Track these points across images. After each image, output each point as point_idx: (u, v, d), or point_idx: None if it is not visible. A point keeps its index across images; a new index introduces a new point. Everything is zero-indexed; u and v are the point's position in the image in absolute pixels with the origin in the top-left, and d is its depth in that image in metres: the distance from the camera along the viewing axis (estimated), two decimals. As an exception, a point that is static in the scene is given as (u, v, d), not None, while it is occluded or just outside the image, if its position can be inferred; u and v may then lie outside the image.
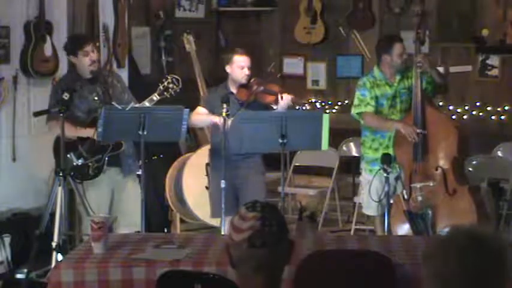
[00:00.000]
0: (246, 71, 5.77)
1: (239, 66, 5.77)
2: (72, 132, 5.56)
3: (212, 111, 5.76)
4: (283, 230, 2.49)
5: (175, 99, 5.85)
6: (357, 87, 6.09)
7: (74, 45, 5.77)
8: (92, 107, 5.64)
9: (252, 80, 5.80)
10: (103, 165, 5.68)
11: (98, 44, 5.89)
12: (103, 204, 5.69)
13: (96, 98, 5.70)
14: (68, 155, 5.55)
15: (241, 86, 5.79)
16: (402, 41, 6.06)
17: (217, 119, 5.65)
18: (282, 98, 5.69)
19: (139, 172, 5.80)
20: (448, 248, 2.14)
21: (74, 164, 5.59)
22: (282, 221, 2.50)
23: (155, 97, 5.74)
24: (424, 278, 2.17)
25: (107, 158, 5.67)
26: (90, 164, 5.64)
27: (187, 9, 9.08)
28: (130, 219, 5.73)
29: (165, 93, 5.77)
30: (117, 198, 5.85)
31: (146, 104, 5.70)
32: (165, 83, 5.78)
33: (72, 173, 5.36)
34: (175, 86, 5.79)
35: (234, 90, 5.78)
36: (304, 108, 9.36)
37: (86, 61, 5.68)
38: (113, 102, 5.53)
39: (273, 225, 2.46)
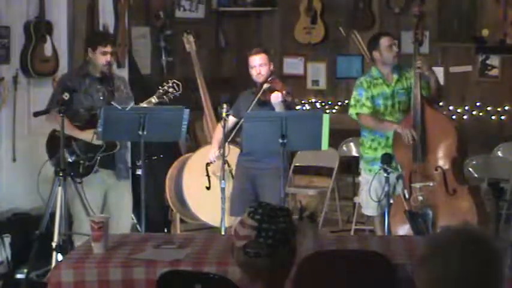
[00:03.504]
0: (259, 70, 5.79)
1: (251, 67, 5.82)
2: (69, 130, 5.53)
3: (238, 115, 5.81)
4: (280, 240, 2.43)
5: (175, 99, 5.84)
6: (354, 87, 6.10)
7: (97, 41, 5.74)
8: (94, 105, 5.63)
9: (269, 79, 5.81)
10: (94, 165, 5.64)
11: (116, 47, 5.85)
12: (94, 205, 5.65)
13: (101, 98, 5.69)
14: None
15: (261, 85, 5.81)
16: (390, 35, 6.07)
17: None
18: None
19: (139, 172, 5.79)
20: (448, 249, 2.07)
21: (67, 160, 5.56)
22: (282, 230, 2.43)
23: (154, 99, 5.71)
24: (421, 281, 2.09)
25: (98, 158, 5.64)
26: (81, 162, 5.61)
27: (187, 9, 9.08)
28: (121, 224, 5.67)
29: (164, 96, 5.74)
30: (109, 202, 5.81)
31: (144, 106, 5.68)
32: (166, 87, 5.76)
33: (71, 173, 5.36)
34: (175, 91, 5.76)
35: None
36: (303, 107, 9.36)
37: (102, 60, 5.65)
38: (113, 103, 5.53)
39: (269, 237, 2.41)
